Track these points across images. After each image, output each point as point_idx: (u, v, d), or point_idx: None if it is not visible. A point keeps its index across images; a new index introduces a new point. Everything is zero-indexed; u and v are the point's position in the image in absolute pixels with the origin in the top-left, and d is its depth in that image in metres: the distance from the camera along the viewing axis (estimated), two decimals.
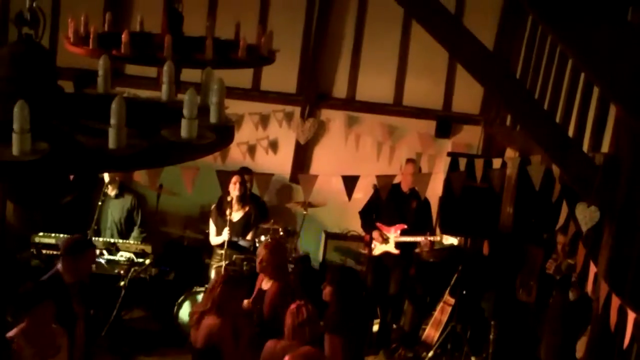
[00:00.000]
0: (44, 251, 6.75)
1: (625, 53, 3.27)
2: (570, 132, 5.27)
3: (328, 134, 8.79)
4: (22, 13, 2.15)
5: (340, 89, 8.71)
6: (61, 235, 6.65)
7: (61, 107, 2.15)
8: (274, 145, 8.78)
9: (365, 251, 7.74)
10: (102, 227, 7.42)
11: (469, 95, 8.44)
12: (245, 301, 5.66)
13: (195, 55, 4.06)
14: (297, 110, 8.66)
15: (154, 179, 6.12)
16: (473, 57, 4.34)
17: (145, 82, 7.28)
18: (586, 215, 4.50)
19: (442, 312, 7.50)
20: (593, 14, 3.21)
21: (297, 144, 8.72)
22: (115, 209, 7.47)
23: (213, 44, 4.07)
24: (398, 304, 7.75)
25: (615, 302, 4.14)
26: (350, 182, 5.77)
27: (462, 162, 6.36)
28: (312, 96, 8.63)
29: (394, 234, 7.41)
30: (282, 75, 8.35)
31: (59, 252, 5.18)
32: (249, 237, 7.18)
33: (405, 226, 7.40)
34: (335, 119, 8.73)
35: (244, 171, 7.46)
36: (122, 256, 7.01)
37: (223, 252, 6.98)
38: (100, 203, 7.21)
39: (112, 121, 1.83)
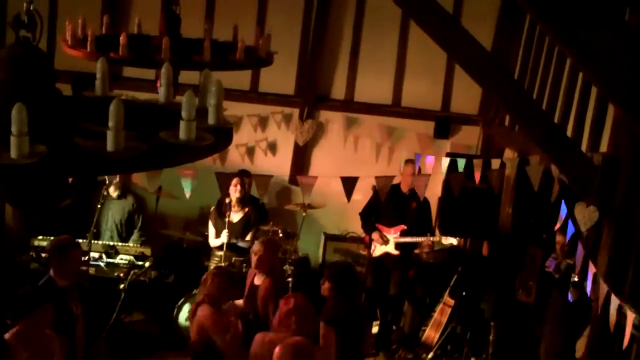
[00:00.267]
0: (43, 254, 6.73)
1: (623, 53, 3.28)
2: (569, 132, 5.27)
3: (327, 135, 8.79)
4: (20, 16, 2.15)
5: (338, 91, 8.72)
6: None
7: (59, 109, 2.15)
8: (272, 147, 8.78)
9: (365, 252, 7.74)
10: (101, 228, 7.42)
11: (467, 95, 8.44)
12: (239, 301, 5.71)
13: (193, 57, 4.06)
14: (295, 111, 8.66)
15: (153, 182, 6.12)
16: (471, 58, 4.34)
17: (143, 84, 7.28)
18: (585, 215, 4.50)
19: (441, 313, 7.50)
20: (591, 14, 3.22)
21: (296, 146, 8.72)
22: (116, 210, 7.47)
23: (211, 45, 4.07)
24: (398, 305, 7.75)
25: (615, 302, 4.15)
26: (349, 184, 5.78)
27: (461, 163, 6.37)
28: (311, 98, 8.63)
29: (393, 235, 7.41)
30: (281, 76, 8.35)
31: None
32: (248, 238, 7.18)
33: (405, 227, 7.40)
34: (334, 120, 8.74)
35: (243, 174, 7.46)
36: (121, 259, 7.01)
37: (222, 254, 6.98)
38: (99, 206, 7.20)
39: (110, 124, 1.83)
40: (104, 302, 6.42)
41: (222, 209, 7.19)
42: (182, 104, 1.97)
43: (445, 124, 8.59)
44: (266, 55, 4.47)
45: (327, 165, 8.50)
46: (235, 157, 8.44)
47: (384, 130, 8.68)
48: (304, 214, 7.72)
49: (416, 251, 7.69)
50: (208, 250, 7.42)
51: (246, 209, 7.23)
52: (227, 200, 7.10)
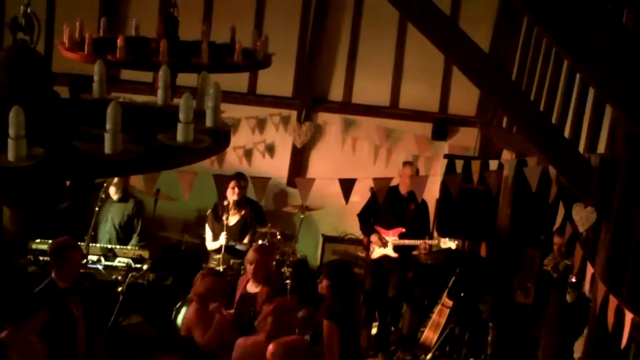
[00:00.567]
0: (41, 257, 6.72)
1: (620, 54, 3.28)
2: (567, 134, 5.28)
3: (325, 137, 8.79)
4: (17, 18, 2.15)
5: (336, 93, 8.71)
6: None
7: (57, 112, 2.15)
8: (270, 149, 8.78)
9: (364, 254, 7.73)
10: (100, 231, 7.39)
11: (465, 97, 8.44)
12: (231, 311, 5.59)
13: (191, 59, 4.06)
14: (293, 114, 8.66)
15: (151, 184, 6.11)
16: (469, 60, 4.34)
17: (141, 87, 7.28)
18: (583, 216, 4.50)
19: (440, 314, 7.50)
20: (589, 16, 3.22)
21: (294, 148, 8.72)
22: (115, 213, 7.44)
23: (209, 48, 4.07)
24: (396, 307, 7.74)
25: (613, 302, 4.15)
26: (347, 185, 5.76)
27: (459, 164, 6.37)
28: (309, 100, 8.63)
29: (392, 238, 7.41)
30: (278, 79, 8.35)
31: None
32: (245, 240, 7.18)
33: (404, 230, 7.40)
34: (331, 122, 8.74)
35: (239, 177, 7.43)
36: (119, 262, 7.00)
37: (220, 256, 6.97)
38: (97, 208, 7.19)
39: (108, 126, 1.83)
40: (102, 305, 6.41)
41: (219, 212, 7.19)
42: (179, 107, 1.97)
43: (443, 125, 8.59)
44: (264, 58, 4.47)
45: (325, 167, 8.50)
46: (233, 159, 8.43)
47: (382, 132, 8.68)
48: (302, 216, 7.72)
49: (414, 252, 7.69)
50: (206, 253, 7.41)
51: (243, 212, 7.23)
52: (225, 203, 7.09)
